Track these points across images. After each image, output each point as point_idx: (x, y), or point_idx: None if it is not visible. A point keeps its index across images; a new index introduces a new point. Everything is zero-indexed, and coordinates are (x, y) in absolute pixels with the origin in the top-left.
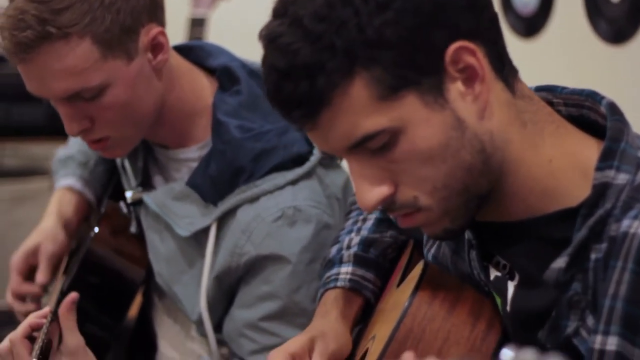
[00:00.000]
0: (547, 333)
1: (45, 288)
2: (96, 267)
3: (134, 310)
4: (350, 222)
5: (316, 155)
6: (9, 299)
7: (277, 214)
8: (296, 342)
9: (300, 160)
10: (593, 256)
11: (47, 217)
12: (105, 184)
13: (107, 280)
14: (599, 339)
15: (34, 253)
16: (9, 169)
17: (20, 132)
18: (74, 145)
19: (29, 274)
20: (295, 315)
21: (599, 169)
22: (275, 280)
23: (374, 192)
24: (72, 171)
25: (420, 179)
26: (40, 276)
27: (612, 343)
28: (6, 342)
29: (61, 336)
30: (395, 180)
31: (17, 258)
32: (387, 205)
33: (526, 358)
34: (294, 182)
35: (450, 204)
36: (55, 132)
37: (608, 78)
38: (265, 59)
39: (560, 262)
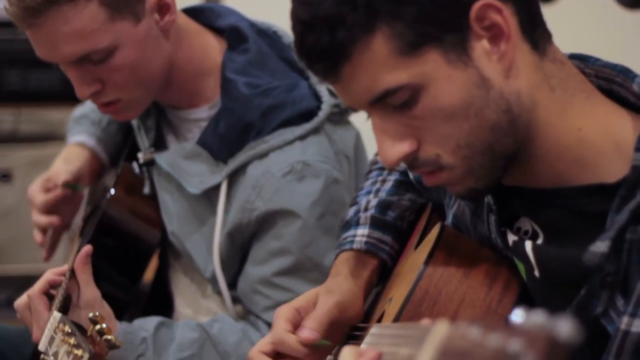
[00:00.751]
0: (575, 310)
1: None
2: (112, 228)
3: (150, 273)
4: (369, 182)
5: (324, 110)
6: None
7: (286, 169)
8: (301, 298)
9: (308, 115)
10: (628, 237)
11: (53, 166)
12: (119, 143)
13: (123, 241)
14: (625, 319)
15: (48, 179)
16: (25, 134)
17: (36, 98)
18: (89, 105)
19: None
20: (308, 270)
21: (637, 149)
22: (286, 235)
23: (395, 148)
24: (85, 128)
25: (442, 137)
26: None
27: (638, 325)
28: (24, 297)
29: (79, 292)
30: (418, 137)
31: (33, 184)
32: (410, 162)
33: (536, 319)
34: (302, 138)
35: (474, 163)
36: (71, 97)
37: (627, 43)
38: (292, 11)
39: (601, 247)
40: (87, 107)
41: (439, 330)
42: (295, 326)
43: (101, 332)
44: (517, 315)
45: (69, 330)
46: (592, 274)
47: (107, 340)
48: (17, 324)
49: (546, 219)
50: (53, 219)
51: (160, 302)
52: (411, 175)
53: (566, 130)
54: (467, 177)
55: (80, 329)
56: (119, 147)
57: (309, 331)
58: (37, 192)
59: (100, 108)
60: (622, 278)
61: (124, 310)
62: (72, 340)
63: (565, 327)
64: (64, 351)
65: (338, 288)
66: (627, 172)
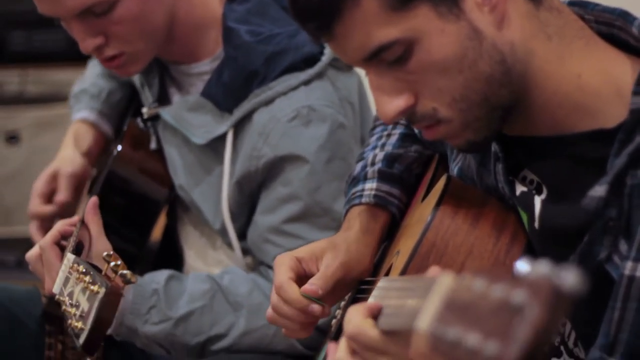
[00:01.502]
0: (579, 258)
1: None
2: (121, 184)
3: (158, 231)
4: (374, 137)
5: (327, 55)
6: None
7: (292, 114)
8: (305, 248)
9: (311, 61)
10: (629, 182)
11: (64, 147)
12: (123, 112)
13: (132, 197)
14: (629, 265)
15: (54, 177)
16: (32, 95)
17: (42, 59)
18: (88, 79)
19: (50, 197)
20: (318, 215)
21: (636, 93)
22: (294, 180)
23: (393, 104)
24: (86, 104)
25: (438, 90)
26: (60, 195)
27: None
28: (36, 249)
29: (90, 243)
30: (414, 91)
31: (37, 182)
32: (408, 116)
33: (541, 269)
34: (306, 83)
35: (471, 115)
36: (77, 57)
37: None
38: None
39: (599, 191)
40: (86, 82)
41: (444, 282)
42: (297, 275)
43: (116, 269)
44: (521, 266)
45: (84, 270)
46: (595, 221)
47: (123, 275)
48: (27, 285)
49: (548, 170)
50: (52, 209)
51: (169, 259)
52: (416, 129)
53: (565, 78)
54: (465, 130)
55: (94, 267)
56: (122, 116)
57: (314, 287)
58: (39, 186)
59: (104, 63)
60: (625, 223)
61: (134, 265)
62: (87, 278)
63: (569, 277)
64: (80, 289)
65: (345, 245)
66: (626, 116)
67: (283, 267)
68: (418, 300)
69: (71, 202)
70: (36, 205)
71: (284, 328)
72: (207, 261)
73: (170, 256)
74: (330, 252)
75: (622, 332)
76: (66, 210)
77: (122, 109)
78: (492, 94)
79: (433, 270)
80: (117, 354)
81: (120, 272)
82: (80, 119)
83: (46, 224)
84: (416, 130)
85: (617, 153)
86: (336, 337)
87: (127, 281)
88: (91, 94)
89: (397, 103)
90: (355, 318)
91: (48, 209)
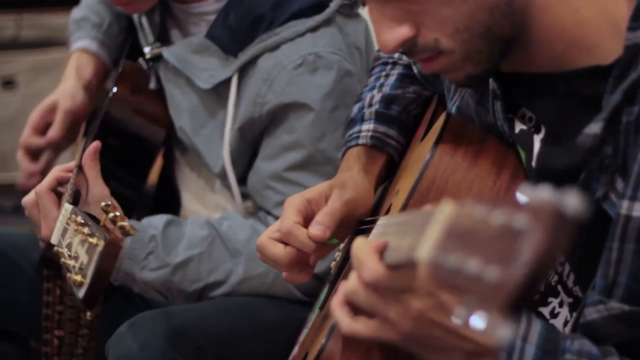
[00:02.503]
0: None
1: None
2: (117, 126)
3: (155, 174)
4: (372, 78)
5: (335, 2)
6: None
7: (297, 61)
8: (314, 189)
9: (319, 7)
10: (625, 119)
11: (66, 79)
12: (121, 45)
13: (128, 139)
14: (625, 204)
15: (52, 109)
16: (27, 40)
17: (37, 3)
18: (87, 6)
19: (44, 130)
20: (321, 164)
21: (631, 28)
22: (299, 128)
23: (394, 33)
24: (87, 33)
25: (441, 20)
26: (52, 131)
27: (639, 209)
28: (32, 195)
29: (87, 188)
30: (416, 22)
31: (33, 113)
32: (408, 48)
33: (544, 194)
34: (314, 30)
35: (473, 47)
36: (73, 1)
37: None
38: None
39: (594, 128)
40: (86, 8)
41: (444, 211)
42: (305, 218)
43: (114, 220)
44: (523, 191)
45: (82, 221)
46: (591, 159)
47: (122, 227)
48: (24, 229)
49: (545, 107)
50: (41, 142)
51: (166, 202)
52: (415, 69)
53: (564, 12)
54: (466, 63)
55: (93, 218)
56: (120, 49)
57: (321, 229)
58: (35, 118)
59: (111, 1)
60: (621, 160)
61: (132, 209)
62: (85, 230)
63: (572, 201)
64: (78, 241)
65: (352, 183)
66: (622, 52)
67: (291, 209)
68: (417, 232)
69: (63, 139)
70: (27, 135)
71: (288, 273)
72: (205, 204)
73: (166, 198)
74: (338, 190)
75: (621, 275)
76: (57, 147)
77: (120, 43)
78: (495, 25)
79: (429, 206)
80: (116, 298)
81: (119, 223)
82: (81, 48)
83: (33, 155)
84: (415, 70)
85: (612, 90)
86: (336, 279)
87: (126, 233)
88: (93, 23)
89: (399, 33)
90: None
91: (37, 141)
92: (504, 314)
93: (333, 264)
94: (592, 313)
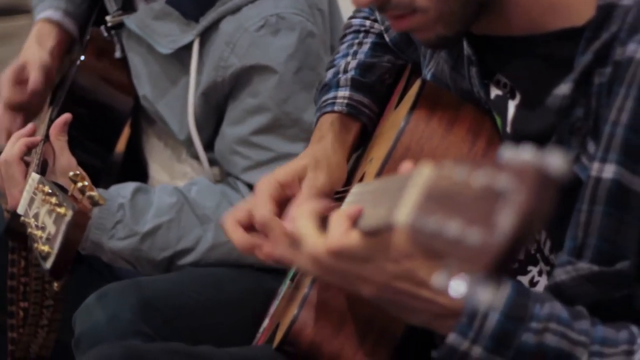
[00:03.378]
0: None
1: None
2: (84, 95)
3: (122, 143)
4: (345, 45)
5: None
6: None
7: (259, 22)
8: (287, 170)
9: None
10: (597, 81)
11: (27, 48)
12: (86, 13)
13: (95, 108)
14: (596, 165)
15: (23, 68)
16: None
17: None
18: None
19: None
20: (287, 127)
21: None
22: (263, 91)
23: None
24: (50, 3)
25: None
26: (32, 83)
27: (610, 170)
28: None
29: (54, 159)
30: None
31: (6, 73)
32: (381, 4)
33: (526, 154)
34: None
35: (447, 7)
36: None
37: None
38: None
39: (564, 89)
40: None
41: (422, 173)
42: (279, 202)
43: (83, 190)
44: (504, 152)
45: (50, 191)
46: (562, 121)
47: (90, 197)
48: None
49: (519, 72)
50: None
51: (133, 171)
52: (387, 37)
53: None
54: (438, 23)
55: (61, 188)
56: (85, 17)
57: None
58: (9, 75)
59: None
60: (593, 123)
61: (99, 179)
62: (53, 200)
63: (555, 160)
64: (46, 211)
65: (325, 159)
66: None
67: (264, 196)
68: (396, 195)
69: (43, 93)
70: (7, 91)
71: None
72: (173, 174)
73: (133, 169)
74: (312, 172)
75: (590, 237)
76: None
77: (85, 11)
78: None
79: (405, 165)
80: (83, 269)
81: (88, 193)
82: (44, 18)
83: (14, 114)
84: (387, 38)
85: (583, 51)
86: None
87: (94, 203)
88: None
89: None
90: (337, 228)
91: (20, 95)
92: (486, 277)
93: None
94: (560, 274)
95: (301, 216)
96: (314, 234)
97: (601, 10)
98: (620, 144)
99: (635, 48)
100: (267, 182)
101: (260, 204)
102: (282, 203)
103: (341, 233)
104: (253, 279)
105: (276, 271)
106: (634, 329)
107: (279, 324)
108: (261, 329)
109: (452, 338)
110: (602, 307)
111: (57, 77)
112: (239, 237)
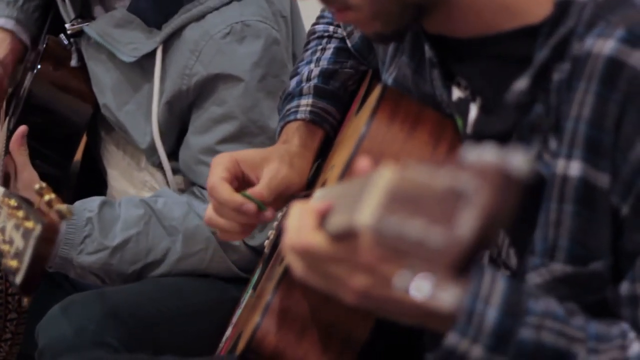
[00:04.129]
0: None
1: None
2: (42, 104)
3: (79, 152)
4: (308, 52)
5: None
6: None
7: (225, 30)
8: (247, 151)
9: None
10: (556, 77)
11: None
12: (39, 20)
13: (54, 116)
14: (562, 162)
15: None
16: None
17: None
18: None
19: None
20: (254, 134)
21: None
22: (229, 100)
23: None
24: (1, 12)
25: None
26: None
27: (576, 168)
28: None
29: (15, 174)
30: None
31: None
32: None
33: (488, 154)
34: None
35: (381, 7)
36: None
37: None
38: None
39: (521, 84)
40: None
41: (384, 175)
42: (233, 176)
43: (50, 203)
44: (467, 152)
45: (16, 204)
46: (521, 119)
47: (59, 210)
48: None
49: (475, 73)
50: None
51: (91, 180)
52: (349, 43)
53: None
54: (374, 21)
55: (26, 201)
56: (38, 25)
57: (258, 192)
58: None
59: None
60: (554, 119)
61: (59, 189)
62: (20, 214)
63: (518, 159)
64: (12, 225)
65: (288, 157)
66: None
67: (219, 167)
68: (358, 197)
69: None
70: None
71: (221, 230)
72: (133, 182)
73: (92, 177)
74: (273, 163)
75: (561, 238)
76: None
77: (38, 19)
78: None
79: (362, 163)
80: (44, 280)
81: (56, 207)
82: None
83: None
84: (349, 44)
85: (540, 47)
86: (269, 258)
87: (63, 216)
88: (7, 1)
89: None
90: (304, 226)
91: None
92: (449, 278)
93: (267, 242)
94: (534, 278)
95: (293, 210)
96: (294, 228)
97: (558, 6)
98: (584, 140)
99: (593, 42)
100: (223, 156)
101: (213, 172)
102: (236, 177)
103: (308, 230)
104: (216, 289)
105: (239, 280)
106: (624, 324)
107: (241, 332)
108: (224, 338)
109: (450, 338)
110: None
111: (11, 87)
112: (225, 188)
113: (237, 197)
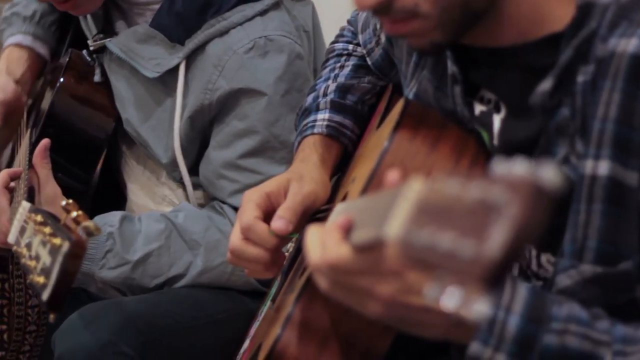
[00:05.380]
0: (537, 163)
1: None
2: (64, 117)
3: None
4: (327, 70)
5: None
6: None
7: (248, 45)
8: (272, 182)
9: None
10: (580, 79)
11: None
12: (58, 35)
13: (76, 130)
14: (590, 163)
15: None
16: None
17: None
18: (19, 1)
19: None
20: (276, 149)
21: None
22: (251, 114)
23: None
24: (18, 28)
25: None
26: None
27: (604, 167)
28: None
29: (39, 188)
30: None
31: None
32: (384, 8)
33: (519, 167)
34: (262, 13)
35: (449, 15)
36: None
37: None
38: None
39: (545, 85)
40: (18, 4)
41: (413, 187)
42: (265, 212)
43: (77, 220)
44: (498, 166)
45: (42, 220)
46: (548, 123)
47: (85, 227)
48: None
49: (502, 83)
50: None
51: (111, 194)
52: (369, 60)
53: None
54: (436, 30)
55: (53, 217)
56: (57, 38)
57: (284, 222)
58: None
59: (58, 6)
60: (580, 121)
61: (80, 203)
62: (47, 230)
63: (549, 173)
64: (39, 241)
65: (309, 175)
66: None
67: (250, 204)
68: (385, 210)
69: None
70: None
71: (248, 269)
72: (152, 196)
73: (111, 191)
74: (296, 182)
75: (590, 239)
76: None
77: (58, 32)
78: None
79: (392, 175)
80: None
81: (83, 224)
82: (13, 44)
83: None
84: (369, 61)
85: (564, 49)
86: (288, 270)
87: (90, 233)
88: (24, 17)
89: None
90: (328, 242)
91: None
92: (480, 289)
93: (286, 254)
94: (563, 280)
95: (310, 231)
96: (317, 248)
97: (580, 9)
98: (612, 139)
99: (617, 42)
100: (253, 192)
101: (246, 211)
102: (268, 213)
103: (333, 246)
104: (233, 301)
105: (256, 293)
106: None
107: (260, 344)
108: (241, 351)
109: (473, 347)
110: (607, 312)
111: (29, 100)
112: (259, 251)
113: (273, 238)
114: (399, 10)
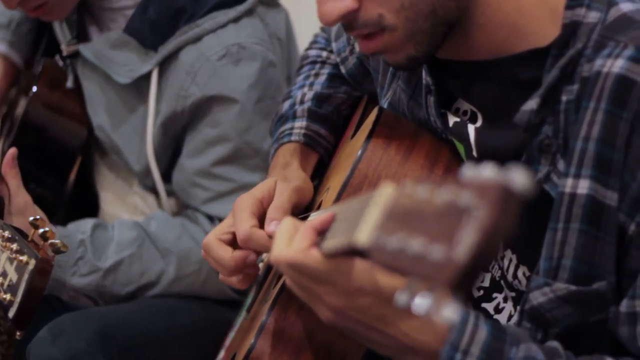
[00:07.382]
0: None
1: None
2: (37, 126)
3: (73, 174)
4: (301, 77)
5: None
6: None
7: (221, 52)
8: (261, 186)
9: None
10: (564, 98)
11: None
12: (32, 43)
13: (49, 139)
14: (569, 182)
15: None
16: None
17: None
18: None
19: None
20: (249, 156)
21: (568, 7)
22: (224, 122)
23: (336, 4)
24: None
25: None
26: None
27: (584, 186)
28: None
29: (9, 198)
30: None
31: None
32: (349, 22)
33: (488, 171)
34: (236, 20)
35: (416, 26)
36: None
37: None
38: None
39: (531, 104)
40: None
41: (383, 193)
42: (260, 218)
43: (45, 236)
44: (467, 170)
45: (9, 236)
46: (531, 140)
47: (53, 244)
48: None
49: (482, 95)
50: None
51: (83, 202)
52: (343, 69)
53: None
54: (408, 42)
55: (20, 233)
56: (32, 47)
57: (276, 224)
58: None
59: (30, 13)
60: (562, 140)
61: (53, 212)
62: (14, 246)
63: (518, 176)
64: (6, 258)
65: (293, 175)
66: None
67: (244, 213)
68: (357, 215)
69: None
70: None
71: (236, 281)
72: (124, 205)
73: (83, 200)
74: (282, 182)
75: (565, 257)
76: None
77: (32, 41)
78: (440, 6)
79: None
80: None
81: (50, 241)
82: None
83: None
84: (343, 70)
85: (549, 68)
86: (263, 280)
87: (57, 251)
88: (0, 24)
89: (341, 4)
90: (300, 242)
91: None
92: (449, 294)
93: (261, 264)
94: (537, 297)
95: (282, 223)
96: (282, 242)
97: (566, 28)
98: (593, 159)
99: (603, 62)
100: (245, 198)
101: (242, 220)
102: (262, 219)
103: (301, 248)
104: (208, 310)
105: (232, 303)
106: (608, 358)
107: (235, 353)
108: None
109: None
110: (578, 331)
111: (3, 109)
112: (226, 253)
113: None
114: (363, 23)
